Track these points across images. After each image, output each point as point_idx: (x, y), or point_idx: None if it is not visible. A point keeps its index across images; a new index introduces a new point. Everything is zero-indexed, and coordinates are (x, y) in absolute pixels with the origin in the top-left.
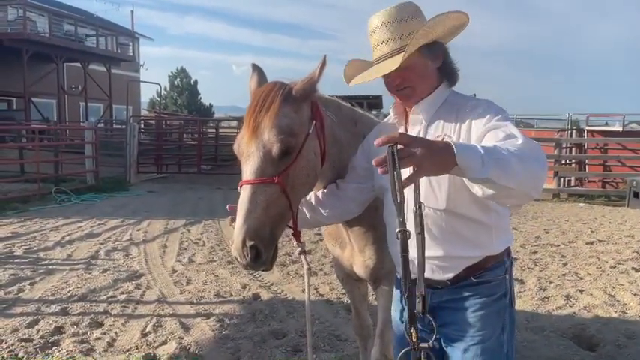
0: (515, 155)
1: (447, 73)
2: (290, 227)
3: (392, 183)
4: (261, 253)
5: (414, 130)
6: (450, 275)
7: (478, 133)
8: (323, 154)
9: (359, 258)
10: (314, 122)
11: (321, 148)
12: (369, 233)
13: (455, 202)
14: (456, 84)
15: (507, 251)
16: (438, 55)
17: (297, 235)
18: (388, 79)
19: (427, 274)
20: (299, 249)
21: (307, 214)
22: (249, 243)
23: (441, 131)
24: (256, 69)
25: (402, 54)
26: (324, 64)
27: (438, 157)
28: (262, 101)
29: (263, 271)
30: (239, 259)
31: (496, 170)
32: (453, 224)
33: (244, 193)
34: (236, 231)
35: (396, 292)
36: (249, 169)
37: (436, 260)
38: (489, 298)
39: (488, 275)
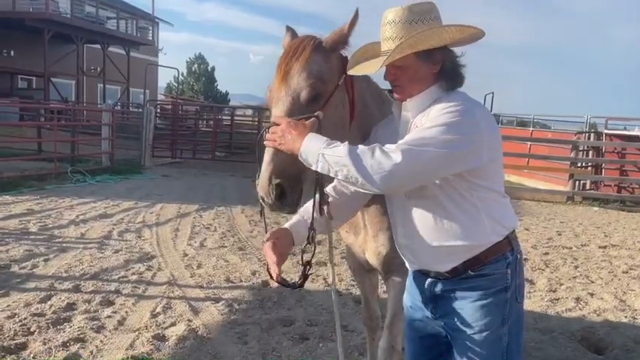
0: (355, 159)
1: (447, 77)
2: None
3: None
4: (286, 192)
5: (403, 126)
6: (448, 267)
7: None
8: (352, 109)
9: (372, 244)
10: (344, 76)
11: (350, 103)
12: (384, 218)
13: (428, 190)
14: (464, 84)
15: (512, 246)
16: (437, 60)
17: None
18: (385, 72)
19: (427, 263)
20: (325, 200)
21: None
22: (274, 181)
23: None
24: (290, 29)
25: (384, 58)
26: (355, 17)
27: (291, 142)
28: (294, 50)
29: (287, 213)
30: (265, 199)
31: (325, 166)
32: (435, 213)
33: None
34: (262, 169)
35: (409, 282)
36: (277, 111)
37: (429, 250)
38: (488, 291)
39: (488, 269)
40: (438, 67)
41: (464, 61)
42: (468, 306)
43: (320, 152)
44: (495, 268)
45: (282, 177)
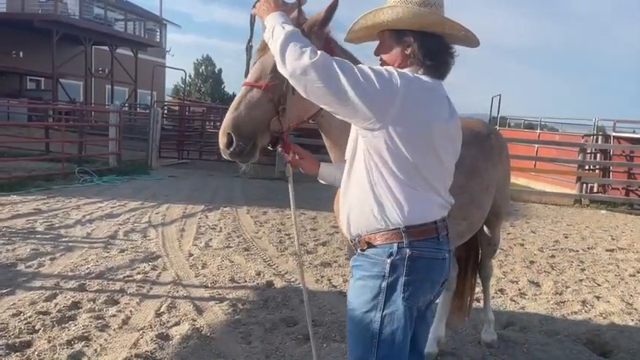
0: (288, 38)
1: (419, 63)
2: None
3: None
4: (233, 143)
5: None
6: (349, 234)
7: None
8: None
9: None
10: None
11: None
12: None
13: (359, 162)
14: (444, 78)
15: (402, 240)
16: (407, 42)
17: (286, 148)
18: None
19: (344, 227)
20: (287, 159)
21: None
22: (226, 131)
23: None
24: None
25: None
26: (332, 4)
27: (264, 11)
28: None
29: (240, 162)
30: (219, 145)
31: (269, 36)
32: (357, 184)
33: (240, 92)
34: (224, 120)
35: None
36: (250, 74)
37: (344, 215)
38: (365, 273)
39: (371, 251)
40: (409, 50)
41: (458, 62)
42: (352, 282)
43: (274, 25)
44: (376, 253)
45: (234, 130)
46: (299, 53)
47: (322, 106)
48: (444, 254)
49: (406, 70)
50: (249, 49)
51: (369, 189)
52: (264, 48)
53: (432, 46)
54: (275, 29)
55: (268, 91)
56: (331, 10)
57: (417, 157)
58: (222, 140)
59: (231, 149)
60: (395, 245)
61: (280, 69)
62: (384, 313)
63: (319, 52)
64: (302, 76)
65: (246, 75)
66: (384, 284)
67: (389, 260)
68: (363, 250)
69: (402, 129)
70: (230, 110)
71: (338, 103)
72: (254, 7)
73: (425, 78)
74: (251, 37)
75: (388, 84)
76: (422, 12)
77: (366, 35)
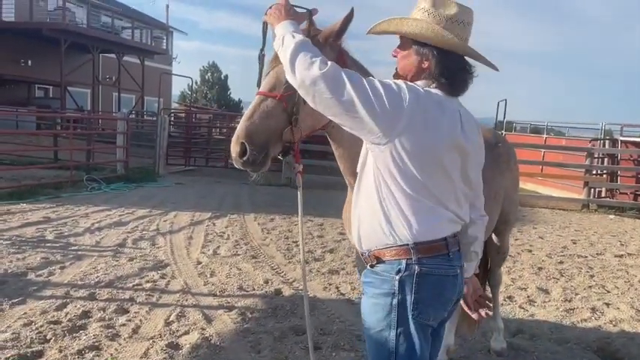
0: (299, 48)
1: (433, 77)
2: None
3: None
4: (247, 152)
5: None
6: (360, 247)
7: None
8: None
9: None
10: None
11: None
12: None
13: (369, 175)
14: (460, 96)
15: (411, 257)
16: (426, 56)
17: (297, 158)
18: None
19: (355, 239)
20: (297, 169)
21: None
22: (240, 140)
23: None
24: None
25: (384, 22)
26: (347, 16)
27: (275, 18)
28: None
29: (251, 171)
30: (231, 153)
31: (279, 44)
32: (368, 197)
33: (254, 101)
34: (237, 128)
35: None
36: (264, 84)
37: (355, 228)
38: (376, 290)
39: (380, 268)
40: (426, 64)
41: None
42: (364, 300)
43: (284, 34)
44: (385, 269)
45: (247, 139)
46: (309, 63)
47: (330, 117)
48: (456, 270)
49: (418, 83)
50: (261, 57)
51: (377, 204)
52: (277, 58)
53: (450, 65)
54: (285, 38)
55: (282, 101)
56: (347, 21)
57: (425, 172)
58: (234, 149)
59: (245, 158)
60: (403, 262)
61: (289, 78)
62: (397, 331)
63: (329, 62)
64: (311, 86)
65: (258, 84)
66: (394, 302)
67: (397, 277)
68: (372, 266)
69: (409, 144)
70: (243, 119)
71: (345, 115)
72: (266, 14)
73: (435, 91)
74: (263, 45)
75: (396, 99)
76: (444, 35)
77: (380, 32)
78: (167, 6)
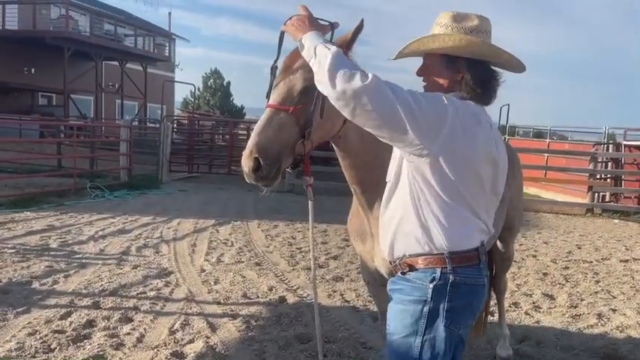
0: (336, 60)
1: (467, 89)
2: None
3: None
4: (261, 167)
5: None
6: (390, 255)
7: None
8: None
9: (379, 251)
10: None
11: None
12: None
13: (394, 178)
14: (489, 105)
15: (446, 265)
16: (460, 69)
17: (307, 171)
18: (419, 67)
19: (384, 248)
20: (309, 182)
21: None
22: (254, 155)
23: None
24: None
25: (411, 44)
26: (360, 26)
27: (298, 29)
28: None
29: (264, 186)
30: (244, 168)
31: (310, 53)
32: (401, 205)
33: (265, 114)
34: (249, 142)
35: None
36: (274, 96)
37: (385, 236)
38: (406, 297)
39: (412, 275)
40: (460, 76)
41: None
42: (391, 306)
43: (315, 44)
44: (418, 277)
45: (261, 153)
46: (349, 75)
47: (368, 129)
48: (484, 280)
49: (453, 95)
50: (274, 69)
51: (413, 213)
52: (287, 69)
53: (483, 74)
54: (317, 48)
55: (295, 114)
56: (358, 31)
57: (463, 183)
58: (247, 164)
59: (258, 173)
60: (438, 270)
61: (324, 89)
62: (424, 338)
63: (370, 74)
64: (352, 98)
65: (268, 96)
66: (425, 309)
67: (431, 285)
68: (403, 273)
69: (449, 155)
70: (255, 133)
71: (387, 128)
72: (285, 24)
73: (471, 102)
74: (278, 56)
75: (438, 111)
76: (479, 43)
77: (409, 53)
78: (169, 13)
